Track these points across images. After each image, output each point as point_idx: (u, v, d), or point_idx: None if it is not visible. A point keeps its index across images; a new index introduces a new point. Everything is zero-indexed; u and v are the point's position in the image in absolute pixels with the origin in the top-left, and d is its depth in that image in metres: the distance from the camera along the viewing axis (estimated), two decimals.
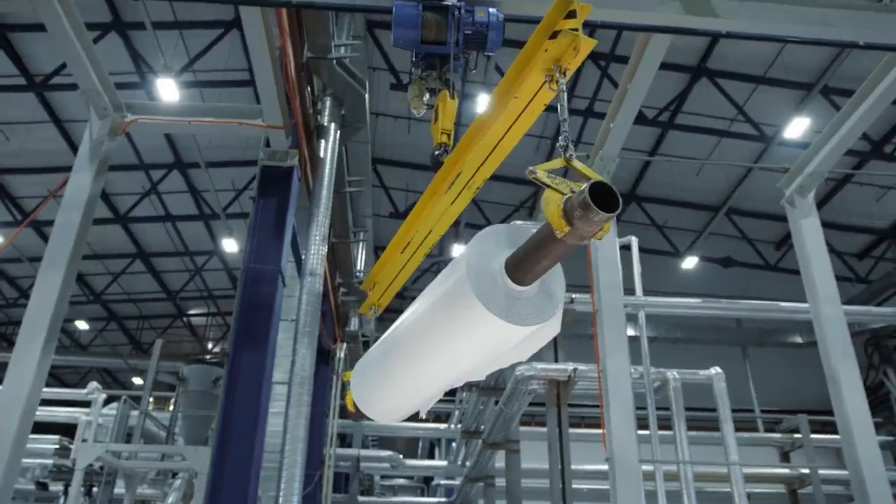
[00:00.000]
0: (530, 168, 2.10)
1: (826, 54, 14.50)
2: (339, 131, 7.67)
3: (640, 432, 6.52)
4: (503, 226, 2.53)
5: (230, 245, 20.64)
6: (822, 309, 6.85)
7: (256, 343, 6.53)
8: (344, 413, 16.16)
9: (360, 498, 16.17)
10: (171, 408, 13.90)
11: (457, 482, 18.26)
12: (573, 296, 8.05)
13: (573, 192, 1.98)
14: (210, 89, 16.31)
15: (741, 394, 18.57)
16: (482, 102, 14.80)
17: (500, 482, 14.08)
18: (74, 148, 14.36)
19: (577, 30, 2.18)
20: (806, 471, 15.01)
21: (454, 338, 2.54)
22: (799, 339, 19.91)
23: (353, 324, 12.53)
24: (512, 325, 2.27)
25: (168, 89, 12.99)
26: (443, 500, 18.69)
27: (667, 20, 5.18)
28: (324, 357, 11.55)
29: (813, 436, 15.57)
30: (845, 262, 19.69)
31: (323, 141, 7.42)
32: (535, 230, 2.36)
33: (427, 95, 3.75)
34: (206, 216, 20.99)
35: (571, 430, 8.66)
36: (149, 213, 20.58)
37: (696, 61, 15.10)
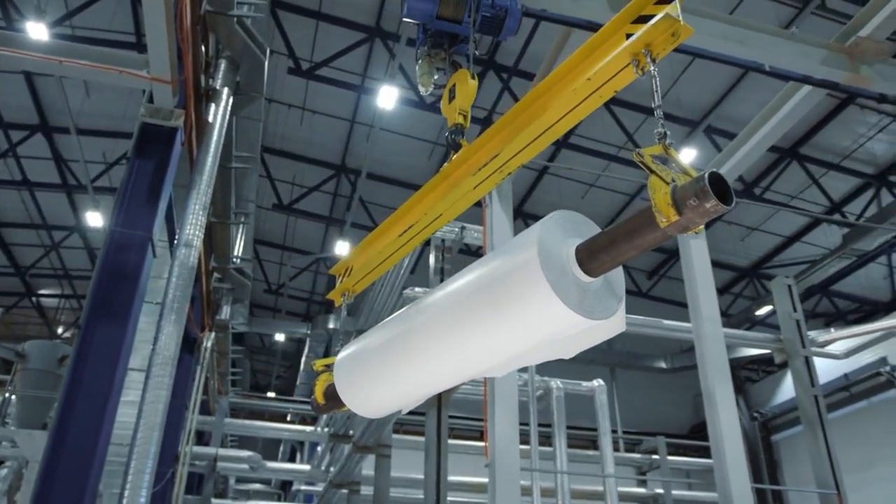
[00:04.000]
0: (638, 150, 2.00)
1: (713, 95, 15.30)
2: (231, 98, 7.09)
3: (521, 447, 6.36)
4: (568, 212, 2.38)
5: (94, 219, 18.97)
6: (703, 327, 6.98)
7: (115, 317, 5.84)
8: (205, 408, 15.27)
9: (214, 500, 15.19)
10: (7, 392, 12.48)
11: (318, 488, 17.61)
12: None
13: (674, 180, 1.93)
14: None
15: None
16: (383, 96, 14.46)
17: (366, 490, 13.66)
18: None
19: (677, 15, 2.09)
20: (660, 490, 15.66)
21: (503, 326, 2.35)
22: (663, 365, 20.83)
23: (225, 312, 11.77)
24: (582, 317, 2.15)
25: (39, 36, 11.70)
26: None
27: (591, 15, 5.09)
28: (188, 346, 10.75)
29: (669, 458, 16.29)
30: None
31: (213, 105, 6.82)
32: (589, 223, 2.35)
33: (436, 74, 3.51)
34: (70, 187, 19.25)
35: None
36: (2, 177, 18.63)
37: None
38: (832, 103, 14.89)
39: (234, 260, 11.11)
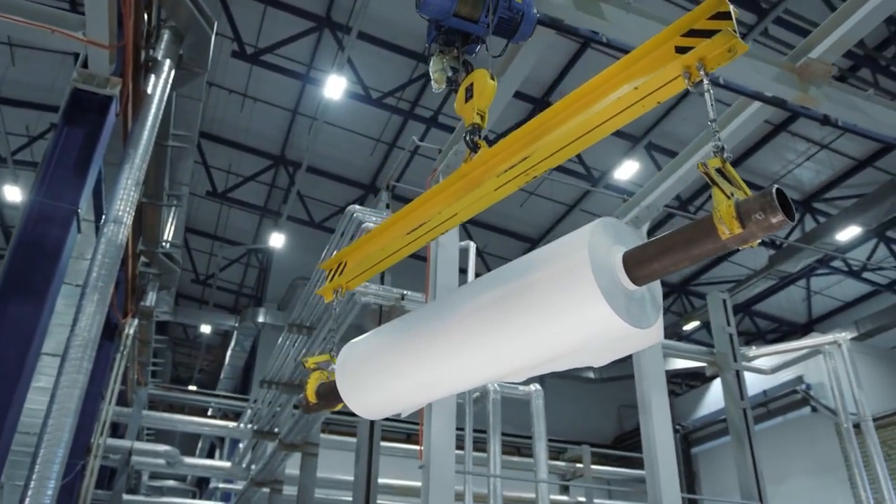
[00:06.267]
0: (703, 161, 2.03)
1: (655, 112, 15.60)
2: (173, 71, 6.72)
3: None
4: (612, 219, 2.43)
5: (13, 194, 17.85)
6: None
7: (31, 294, 5.42)
8: (122, 399, 14.56)
9: (126, 496, 14.48)
10: None
11: (237, 486, 17.06)
12: (405, 292, 7.66)
13: (733, 194, 1.98)
14: None
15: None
16: (331, 86, 14.14)
17: (288, 490, 13.29)
18: None
19: (735, 31, 2.15)
20: (582, 499, 15.85)
21: (545, 329, 2.34)
22: (591, 375, 21.10)
23: (150, 299, 11.24)
24: (628, 325, 2.17)
25: None
26: None
27: (555, 11, 5.02)
28: (108, 331, 10.19)
29: (592, 466, 16.51)
30: None
31: (153, 76, 6.44)
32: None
33: (450, 72, 3.40)
34: None
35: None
36: None
37: (541, 94, 15.57)
38: (766, 129, 15.41)
39: (164, 244, 10.61)
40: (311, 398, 3.43)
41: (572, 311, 2.23)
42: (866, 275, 19.73)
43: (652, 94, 2.32)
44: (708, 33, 2.15)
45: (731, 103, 7.20)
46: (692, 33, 2.20)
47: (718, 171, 2.03)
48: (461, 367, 2.66)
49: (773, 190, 1.89)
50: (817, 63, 5.88)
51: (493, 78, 3.23)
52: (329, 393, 3.30)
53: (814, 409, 15.24)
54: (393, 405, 3.09)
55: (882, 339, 18.28)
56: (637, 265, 2.22)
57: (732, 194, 1.97)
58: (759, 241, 1.99)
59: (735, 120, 6.89)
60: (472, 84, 3.22)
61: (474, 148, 3.05)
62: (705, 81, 2.18)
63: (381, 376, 2.96)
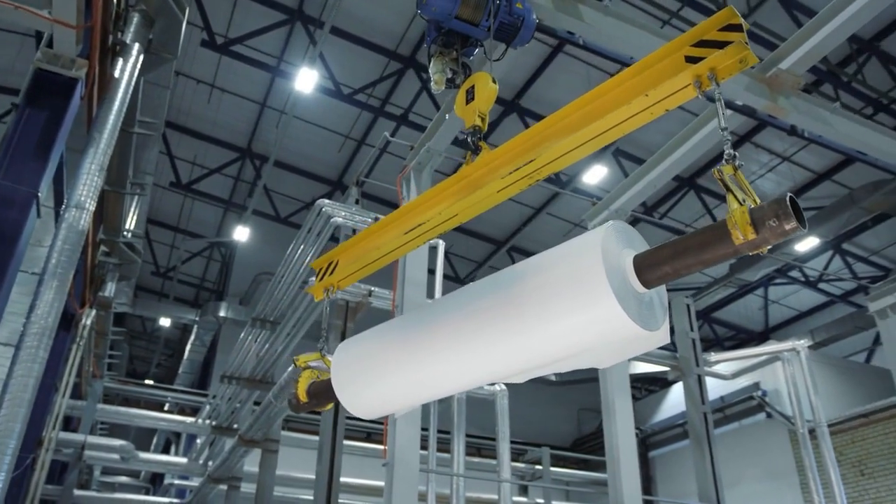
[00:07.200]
0: (718, 168, 2.11)
1: None
2: (142, 56, 6.55)
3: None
4: (621, 223, 2.51)
5: None
6: None
7: None
8: (77, 392, 14.19)
9: (77, 492, 14.11)
10: None
11: (192, 483, 16.76)
12: (372, 289, 7.59)
13: (744, 201, 2.03)
14: None
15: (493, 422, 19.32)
16: (301, 79, 13.98)
17: (245, 488, 13.11)
18: None
19: (746, 43, 2.21)
20: (541, 500, 15.95)
21: (555, 330, 2.35)
22: (552, 378, 21.22)
23: (109, 290, 10.97)
24: (639, 327, 2.20)
25: None
26: (174, 500, 17.01)
27: (535, 11, 5.01)
28: (65, 322, 9.92)
29: (551, 468, 16.65)
30: None
31: (121, 60, 6.28)
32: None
33: (450, 73, 3.40)
34: None
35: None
36: None
37: (512, 97, 15.62)
38: (731, 139, 15.68)
39: (125, 234, 10.35)
40: (302, 397, 3.39)
41: (584, 312, 2.24)
42: (822, 285, 20.24)
43: (661, 101, 2.36)
44: (720, 44, 2.18)
45: (699, 113, 7.32)
46: (703, 44, 2.23)
47: (731, 178, 2.08)
48: (467, 366, 2.65)
49: (787, 197, 1.93)
50: (787, 74, 5.98)
51: (494, 81, 3.22)
52: (320, 392, 3.27)
53: (768, 416, 15.55)
54: (391, 405, 3.07)
55: (835, 349, 18.78)
56: (648, 268, 2.25)
57: (744, 201, 2.02)
58: (767, 247, 2.03)
59: (703, 129, 7.01)
60: (472, 86, 3.21)
61: (476, 150, 3.05)
62: (717, 92, 2.24)
63: (382, 375, 2.92)
